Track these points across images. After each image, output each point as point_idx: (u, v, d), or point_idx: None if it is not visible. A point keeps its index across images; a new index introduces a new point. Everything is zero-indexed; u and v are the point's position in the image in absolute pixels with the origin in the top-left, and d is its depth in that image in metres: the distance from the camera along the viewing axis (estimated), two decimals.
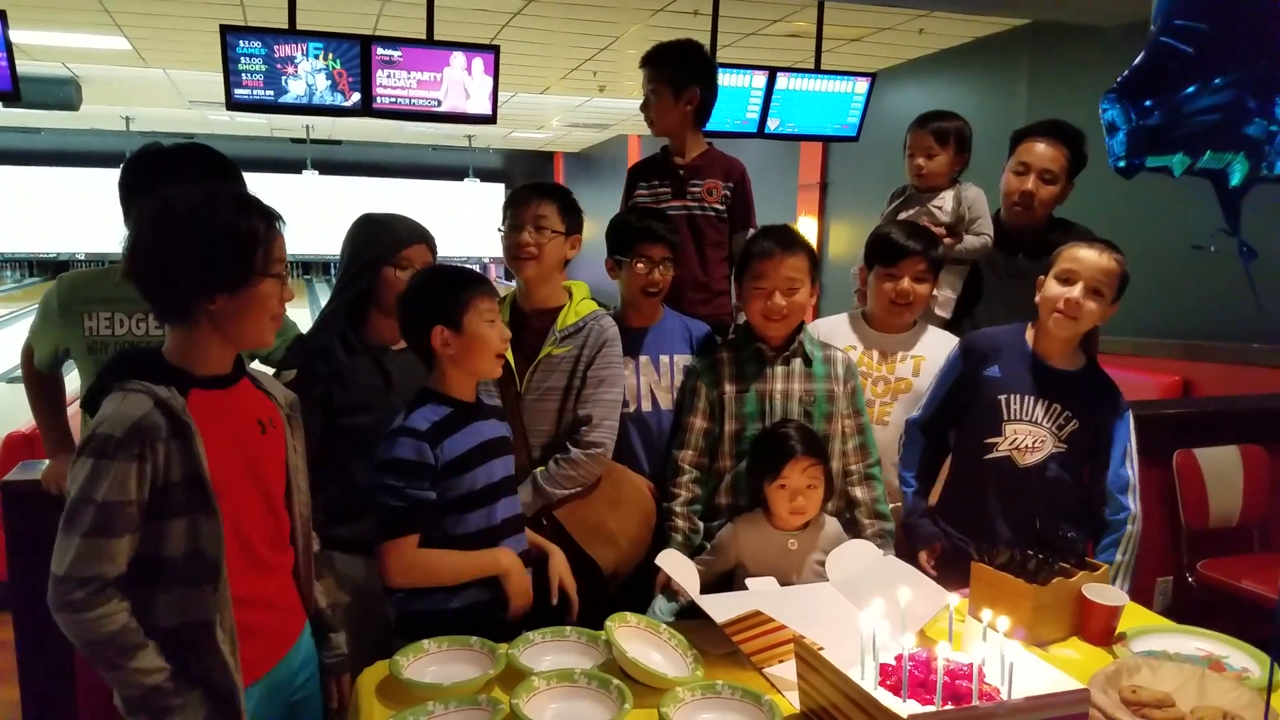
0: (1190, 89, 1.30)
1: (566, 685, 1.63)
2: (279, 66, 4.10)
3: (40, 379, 2.45)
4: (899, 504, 2.41)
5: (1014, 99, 6.20)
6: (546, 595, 2.04)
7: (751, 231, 2.76)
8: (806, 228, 8.58)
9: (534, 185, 2.39)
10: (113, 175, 2.43)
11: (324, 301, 2.40)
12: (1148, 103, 1.32)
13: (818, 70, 5.10)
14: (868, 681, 1.49)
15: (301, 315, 2.66)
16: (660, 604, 2.16)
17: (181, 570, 1.47)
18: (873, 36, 6.56)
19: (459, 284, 1.92)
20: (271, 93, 4.13)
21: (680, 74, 2.81)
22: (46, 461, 2.48)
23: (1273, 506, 3.68)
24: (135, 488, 1.40)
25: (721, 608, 1.80)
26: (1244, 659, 1.84)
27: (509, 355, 2.08)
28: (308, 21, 4.15)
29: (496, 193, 17.59)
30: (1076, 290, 2.18)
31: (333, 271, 16.85)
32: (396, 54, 4.25)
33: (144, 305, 1.61)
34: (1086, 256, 2.19)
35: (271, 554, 1.64)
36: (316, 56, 4.14)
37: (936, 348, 2.51)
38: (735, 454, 2.28)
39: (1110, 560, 2.20)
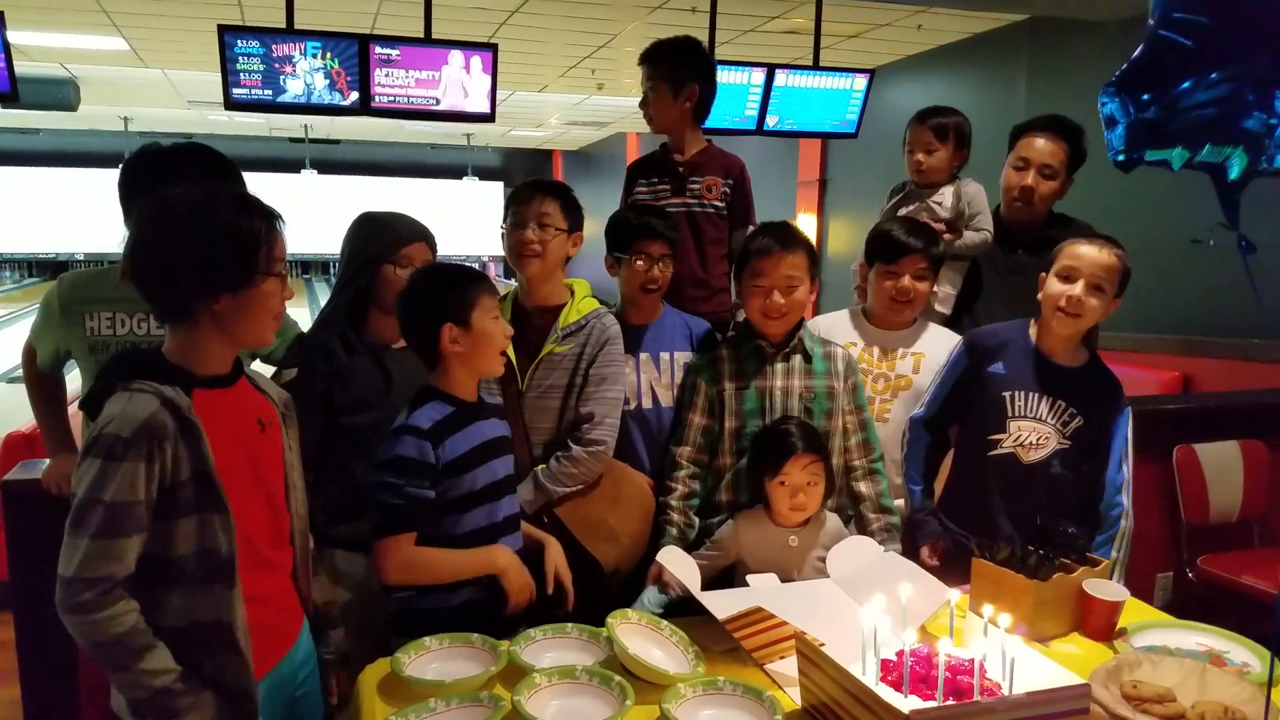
0: (1189, 82, 1.30)
1: (568, 682, 1.63)
2: (277, 66, 4.10)
3: (42, 379, 2.45)
4: (901, 500, 2.41)
5: (1013, 94, 6.20)
6: (543, 586, 2.04)
7: (751, 228, 2.76)
8: (806, 225, 8.57)
9: (536, 182, 2.38)
10: (111, 175, 2.43)
11: (323, 301, 2.40)
12: (1146, 96, 1.32)
13: (816, 67, 5.09)
14: (869, 677, 1.49)
15: (301, 315, 2.66)
16: (649, 595, 2.16)
17: (191, 570, 1.47)
18: (871, 33, 6.56)
19: (465, 281, 1.92)
20: (270, 92, 4.13)
21: (679, 71, 2.81)
22: (47, 461, 2.48)
23: (1273, 502, 3.68)
24: (144, 488, 1.40)
25: (723, 604, 1.80)
26: (1245, 654, 1.84)
27: (510, 353, 2.08)
28: (306, 21, 4.15)
29: (495, 191, 17.60)
30: (1078, 288, 2.18)
31: (332, 271, 16.85)
32: (395, 53, 4.24)
33: (145, 305, 1.61)
34: (1087, 253, 2.19)
35: (273, 552, 1.64)
36: (314, 56, 4.14)
37: (937, 345, 2.51)
38: (735, 451, 2.28)
39: (1108, 555, 2.21)
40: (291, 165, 15.15)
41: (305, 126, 14.08)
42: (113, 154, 13.67)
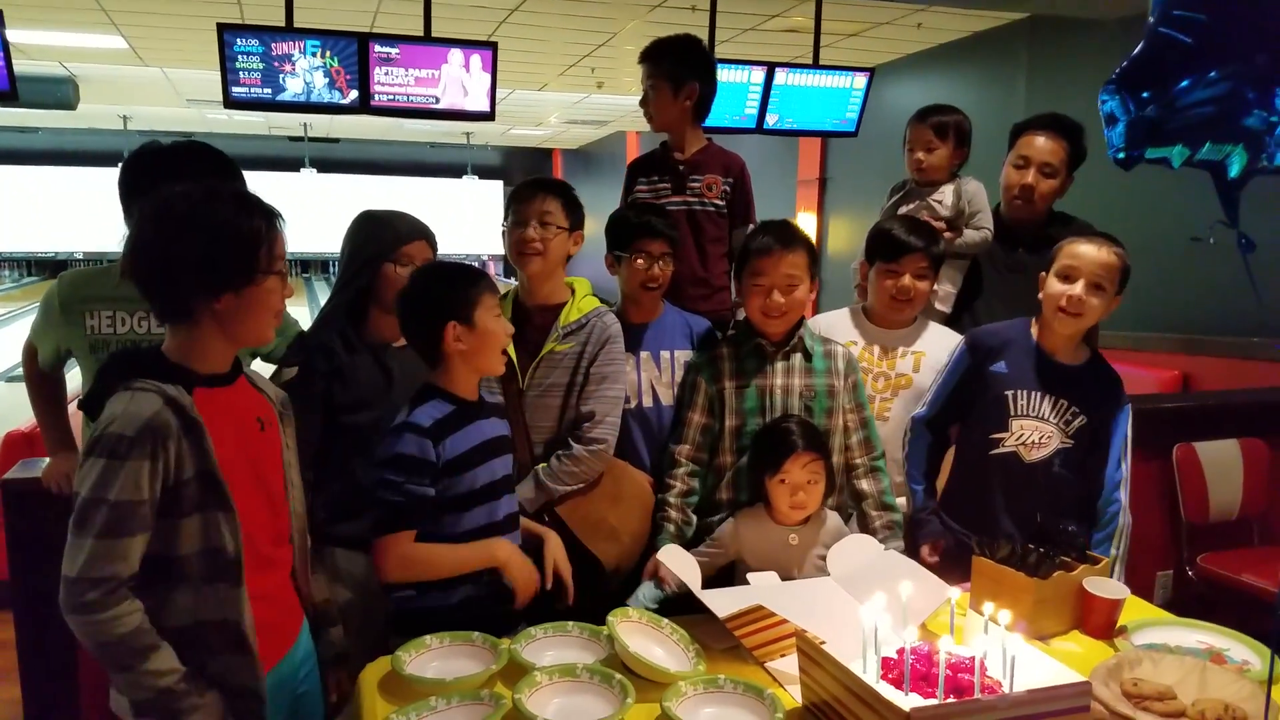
0: (1189, 80, 1.30)
1: (569, 680, 1.63)
2: (276, 64, 4.09)
3: (42, 378, 2.45)
4: (902, 499, 2.41)
5: (1013, 93, 6.20)
6: (542, 581, 2.04)
7: (751, 227, 2.76)
8: (805, 223, 8.57)
9: (538, 181, 2.38)
10: (110, 174, 2.43)
11: (323, 300, 2.40)
12: (1146, 94, 1.32)
13: (816, 65, 5.09)
14: (870, 675, 1.49)
15: (301, 314, 2.66)
16: (645, 590, 2.16)
17: (196, 569, 1.47)
18: (871, 31, 6.55)
19: (468, 279, 1.92)
20: (269, 91, 4.12)
21: (679, 69, 2.81)
22: (47, 459, 2.48)
23: (1273, 500, 3.68)
24: (148, 487, 1.40)
25: (723, 602, 1.80)
26: (1245, 652, 1.84)
27: (511, 352, 2.08)
28: (305, 19, 4.14)
29: (495, 190, 17.59)
30: (1078, 288, 2.18)
31: (331, 270, 16.84)
32: (394, 51, 4.24)
33: (145, 304, 1.61)
34: (1086, 252, 2.20)
35: (273, 551, 1.64)
36: (314, 54, 4.13)
37: (937, 344, 2.52)
38: (736, 449, 2.28)
39: (1105, 553, 2.21)
40: (291, 164, 15.15)
41: (305, 125, 14.07)
42: (112, 153, 13.65)
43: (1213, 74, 1.30)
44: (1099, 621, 1.91)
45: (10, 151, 15.27)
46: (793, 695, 1.64)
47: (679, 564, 1.99)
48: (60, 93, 8.93)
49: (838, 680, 1.49)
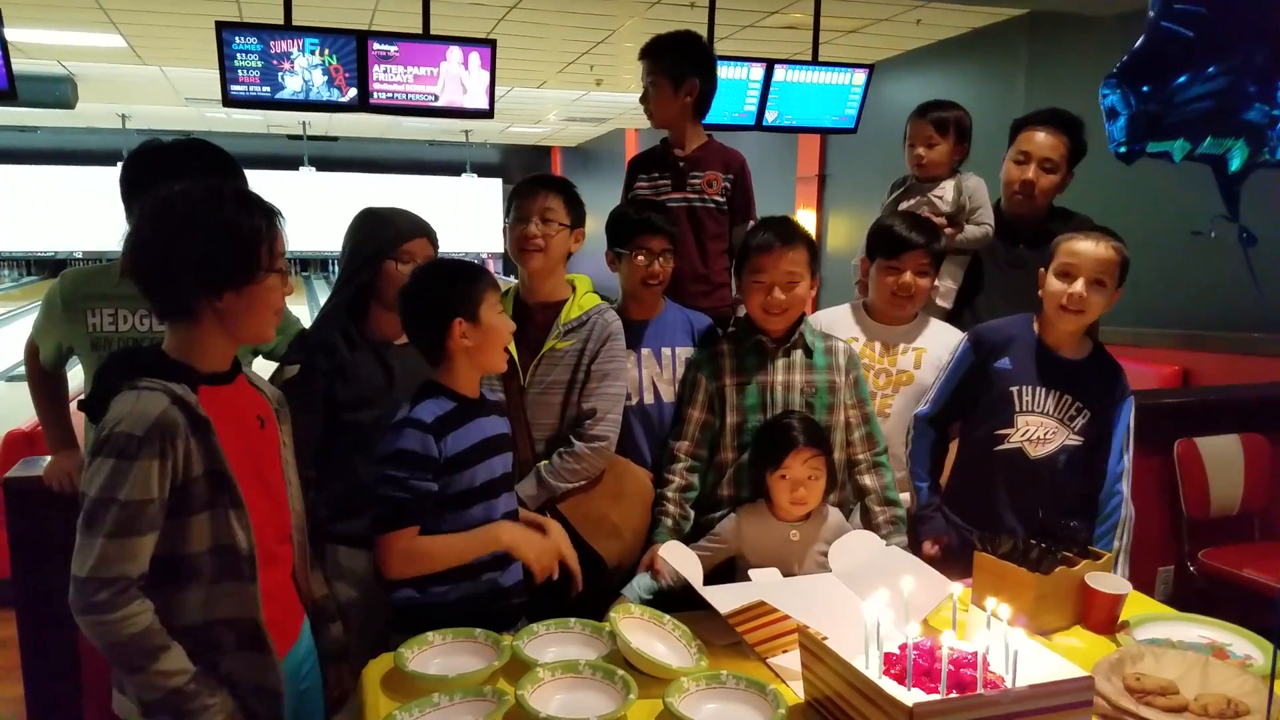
0: (1190, 74, 1.30)
1: (571, 676, 1.63)
2: (275, 62, 4.09)
3: (44, 377, 2.45)
4: (906, 494, 2.41)
5: (1012, 89, 6.20)
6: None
7: (751, 223, 2.76)
8: (805, 220, 8.56)
9: (539, 177, 2.38)
10: (109, 173, 2.43)
11: (322, 299, 2.40)
12: (1147, 88, 1.32)
13: (815, 62, 5.08)
14: (872, 670, 1.49)
15: (300, 312, 2.66)
16: (640, 581, 2.16)
17: (207, 567, 1.47)
18: (870, 28, 6.55)
19: (472, 276, 1.92)
20: (268, 89, 4.12)
21: (679, 65, 2.80)
22: (48, 458, 2.48)
23: (1274, 495, 3.69)
24: (157, 486, 1.40)
25: (725, 598, 1.80)
26: (1247, 646, 1.84)
27: (512, 349, 2.08)
28: (304, 17, 4.14)
29: (494, 188, 17.59)
30: (1078, 285, 2.19)
31: (330, 268, 16.85)
32: (393, 49, 4.23)
33: (147, 302, 1.61)
34: (1084, 249, 2.19)
35: (276, 548, 1.64)
36: (313, 52, 4.13)
37: (938, 340, 2.52)
38: (737, 446, 2.28)
39: (1108, 546, 2.21)
40: (290, 162, 15.15)
41: (303, 123, 14.07)
42: (111, 151, 13.65)
43: (1214, 68, 1.30)
44: (1101, 617, 1.92)
45: (9, 151, 15.26)
46: (795, 691, 1.65)
47: (680, 559, 2.00)
48: (59, 92, 8.93)
49: (840, 676, 1.49)
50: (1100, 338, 2.56)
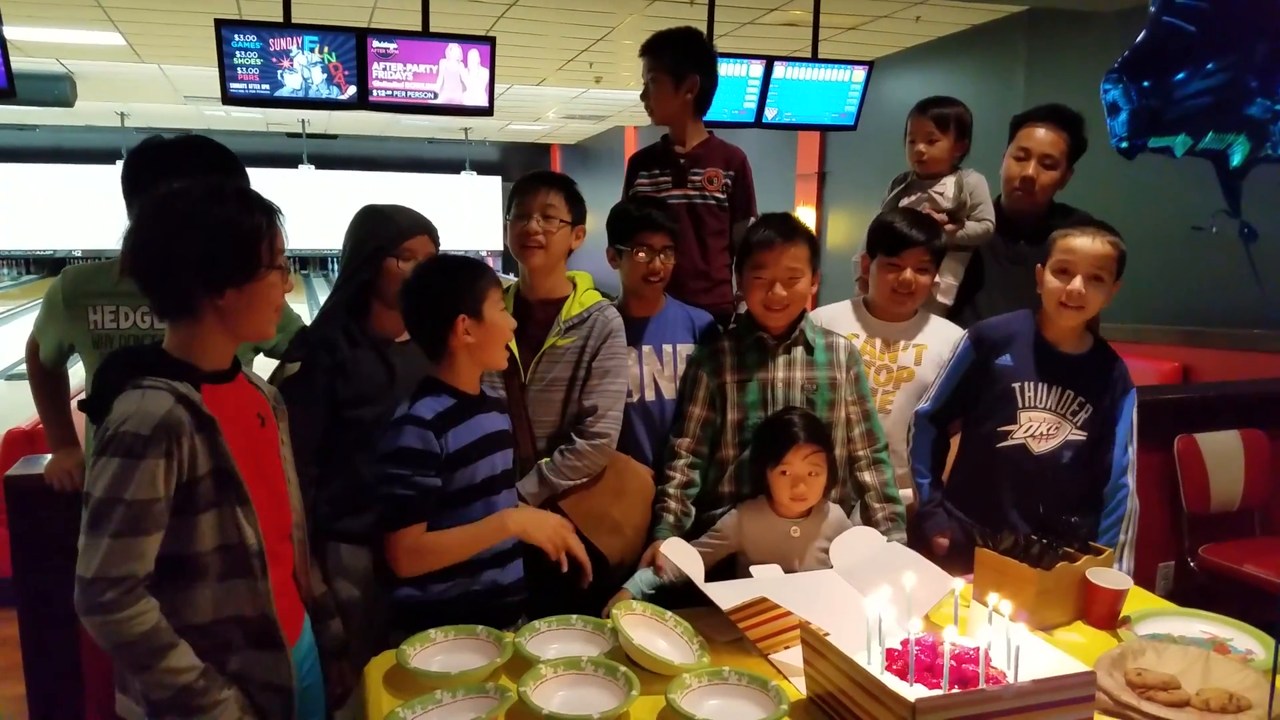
0: (1191, 69, 1.30)
1: (573, 673, 1.64)
2: (274, 60, 4.08)
3: (45, 374, 2.44)
4: (907, 490, 2.41)
5: (1012, 86, 6.20)
6: (556, 566, 2.03)
7: (752, 220, 2.76)
8: (805, 217, 8.56)
9: (540, 174, 2.38)
10: (109, 171, 2.43)
11: (322, 297, 2.40)
12: (1149, 83, 1.32)
13: (815, 59, 5.08)
14: (874, 666, 1.49)
15: (300, 311, 2.66)
16: (641, 575, 2.16)
17: (214, 565, 1.47)
18: (869, 25, 6.55)
19: (474, 273, 1.92)
20: (267, 86, 4.12)
21: (680, 62, 2.80)
22: (49, 456, 2.48)
23: (1274, 491, 3.69)
24: (163, 484, 1.39)
25: (727, 594, 1.80)
26: (1248, 641, 1.84)
27: (513, 346, 2.08)
28: (303, 15, 4.13)
29: (494, 185, 17.58)
30: (1077, 282, 2.19)
31: (330, 267, 16.85)
32: (392, 46, 4.23)
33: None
34: (1080, 245, 2.19)
35: (279, 545, 1.64)
36: (312, 50, 4.12)
37: (939, 337, 2.52)
38: (738, 443, 2.28)
39: (1114, 539, 2.21)
40: (289, 160, 15.12)
41: (303, 121, 14.06)
42: (110, 150, 13.62)
43: (1215, 63, 1.30)
44: (1102, 612, 1.92)
45: (8, 149, 15.26)
46: (797, 687, 1.65)
47: (682, 556, 2.00)
48: (58, 90, 8.93)
49: (842, 672, 1.49)
50: (1100, 333, 2.56)
